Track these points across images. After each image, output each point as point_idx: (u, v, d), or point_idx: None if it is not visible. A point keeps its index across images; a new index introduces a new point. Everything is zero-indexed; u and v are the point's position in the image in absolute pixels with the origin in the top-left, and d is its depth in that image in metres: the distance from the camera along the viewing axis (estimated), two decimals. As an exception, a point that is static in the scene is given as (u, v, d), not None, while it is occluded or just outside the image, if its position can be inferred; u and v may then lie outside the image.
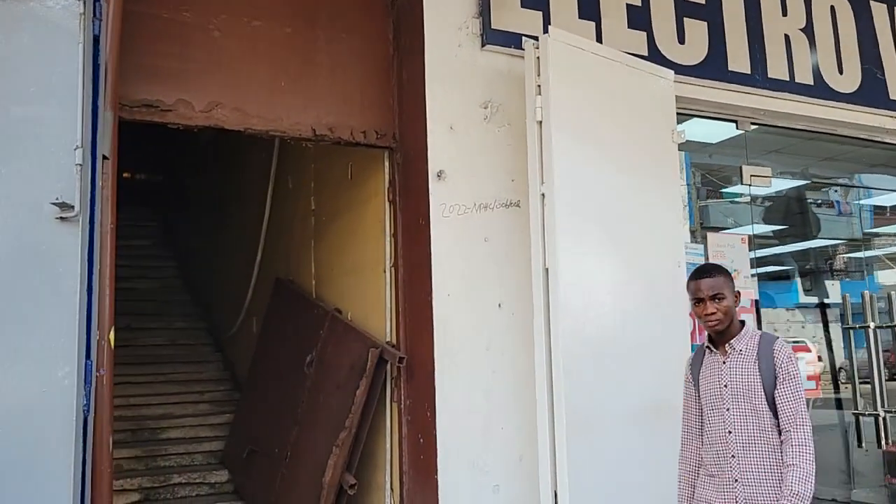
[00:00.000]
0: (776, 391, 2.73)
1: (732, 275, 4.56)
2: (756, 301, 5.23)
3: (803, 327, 7.89)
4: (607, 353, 3.73)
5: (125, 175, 17.24)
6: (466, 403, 3.82)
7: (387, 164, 4.34)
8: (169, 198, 11.32)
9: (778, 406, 2.72)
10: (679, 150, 4.36)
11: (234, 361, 7.34)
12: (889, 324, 5.77)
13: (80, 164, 2.70)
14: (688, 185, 5.39)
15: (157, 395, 6.90)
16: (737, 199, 6.81)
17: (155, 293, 9.05)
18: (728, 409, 2.79)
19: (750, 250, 7.98)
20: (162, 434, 6.40)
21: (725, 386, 2.81)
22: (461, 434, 3.80)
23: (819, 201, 8.29)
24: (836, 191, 8.24)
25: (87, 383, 2.73)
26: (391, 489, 4.18)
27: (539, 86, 3.71)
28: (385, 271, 4.30)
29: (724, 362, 2.85)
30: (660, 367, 3.86)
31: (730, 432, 2.78)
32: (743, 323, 2.94)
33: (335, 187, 5.14)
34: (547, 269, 3.65)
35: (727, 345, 2.85)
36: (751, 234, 5.52)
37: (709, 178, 6.58)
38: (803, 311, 8.05)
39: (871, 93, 5.32)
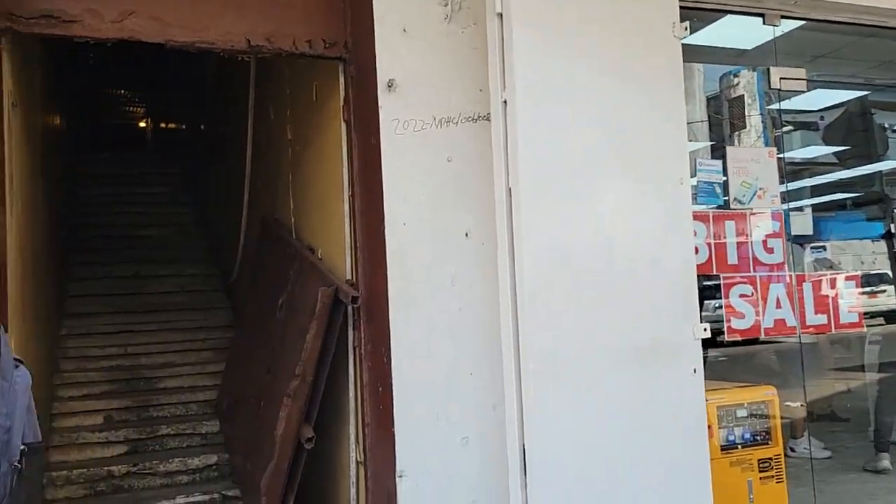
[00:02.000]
0: None
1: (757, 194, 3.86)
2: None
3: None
4: (587, 285, 3.18)
5: (161, 125, 17.25)
6: (427, 346, 3.35)
7: (342, 78, 3.81)
8: (189, 145, 11.07)
9: None
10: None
11: (237, 308, 7.04)
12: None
13: None
14: (761, 111, 4.66)
15: (160, 343, 6.66)
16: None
17: (168, 240, 8.83)
18: None
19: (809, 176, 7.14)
20: (159, 384, 6.16)
21: None
22: (422, 380, 3.33)
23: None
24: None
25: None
26: (356, 442, 3.77)
27: (498, -32, 3.12)
28: (344, 201, 3.82)
29: None
30: (656, 300, 3.31)
31: None
32: None
33: (305, 112, 4.65)
34: (510, 189, 3.11)
35: None
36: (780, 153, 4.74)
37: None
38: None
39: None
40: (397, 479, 3.29)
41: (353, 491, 3.76)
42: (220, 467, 5.26)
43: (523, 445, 3.04)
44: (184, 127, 12.02)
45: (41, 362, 5.40)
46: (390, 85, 3.38)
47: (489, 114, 3.48)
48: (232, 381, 5.53)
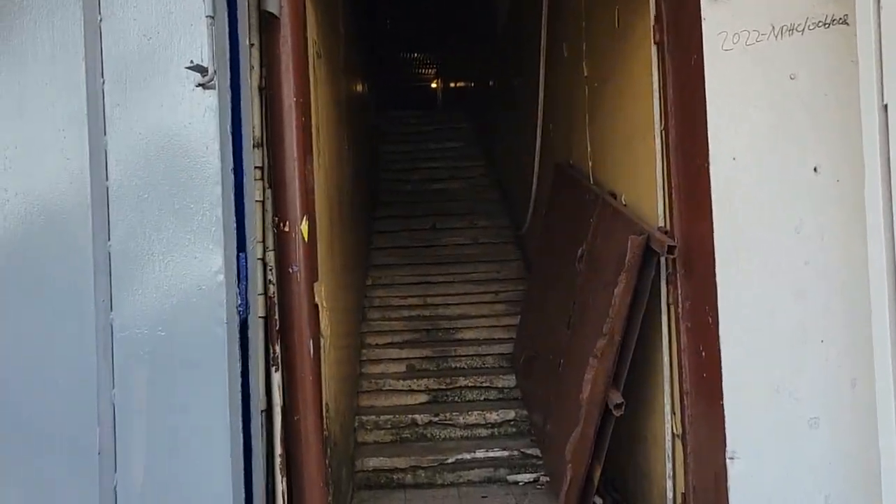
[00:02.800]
0: None
1: None
2: None
3: None
4: None
5: (451, 84, 17.73)
6: (765, 306, 2.78)
7: (652, -6, 3.29)
8: (478, 101, 11.12)
9: None
10: None
11: (529, 259, 6.85)
12: None
13: (212, 16, 2.22)
14: None
15: (455, 294, 6.71)
16: None
17: (462, 193, 8.92)
18: None
19: None
20: (456, 335, 6.19)
21: None
22: (758, 347, 2.78)
23: None
24: None
25: (241, 280, 2.32)
26: (672, 412, 3.31)
27: None
28: (654, 137, 3.33)
29: None
30: None
31: None
32: None
33: (604, 43, 4.18)
34: (886, 107, 2.40)
35: None
36: None
37: None
38: None
39: None
40: (728, 460, 2.79)
41: (669, 466, 3.32)
42: (518, 423, 5.11)
43: (903, 433, 2.36)
44: (472, 84, 12.13)
45: (350, 311, 5.65)
46: (716, -10, 2.79)
47: (846, 15, 2.77)
48: (527, 335, 5.34)
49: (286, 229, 2.71)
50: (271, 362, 2.69)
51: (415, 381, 5.49)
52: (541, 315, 5.00)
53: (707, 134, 2.81)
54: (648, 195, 3.47)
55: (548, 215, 5.40)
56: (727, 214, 2.79)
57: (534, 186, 6.10)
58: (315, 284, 3.10)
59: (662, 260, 3.24)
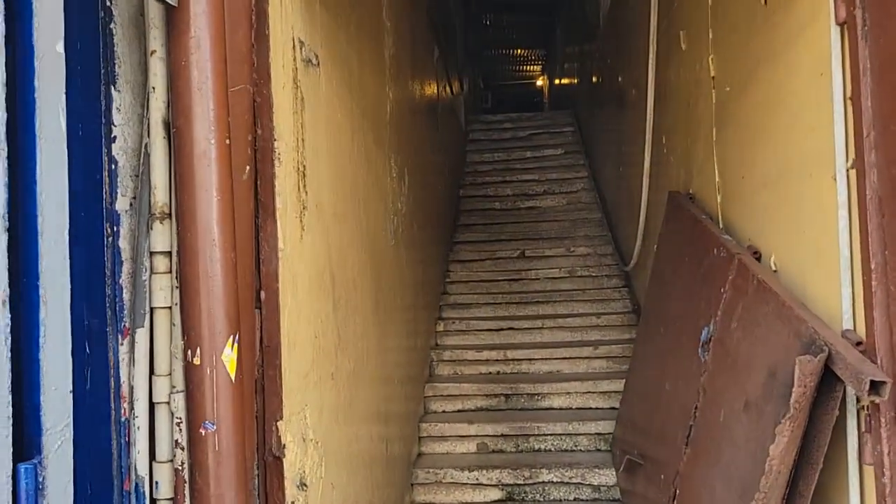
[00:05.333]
0: None
1: None
2: None
3: None
4: None
5: (556, 82, 16.35)
6: None
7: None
8: (581, 101, 9.78)
9: None
10: None
11: (638, 305, 5.52)
12: None
13: None
14: None
15: (544, 345, 5.47)
16: None
17: (559, 212, 7.65)
18: None
19: None
20: (542, 401, 4.95)
21: None
22: None
23: None
24: None
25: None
26: None
27: None
28: (836, 177, 2.02)
29: None
30: None
31: None
32: None
33: (742, 30, 2.87)
34: None
35: None
36: None
37: None
38: None
39: None
40: None
41: None
42: (618, 540, 3.86)
43: None
44: (576, 82, 10.78)
45: (413, 364, 4.56)
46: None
47: None
48: (631, 421, 4.06)
49: (196, 362, 1.61)
50: None
51: (485, 471, 4.28)
52: (649, 400, 3.71)
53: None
54: (822, 265, 2.16)
55: (659, 259, 4.08)
56: None
57: (642, 215, 4.78)
58: (279, 423, 2.01)
59: (849, 389, 1.93)
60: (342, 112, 2.86)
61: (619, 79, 6.11)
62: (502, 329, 5.71)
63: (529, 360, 5.32)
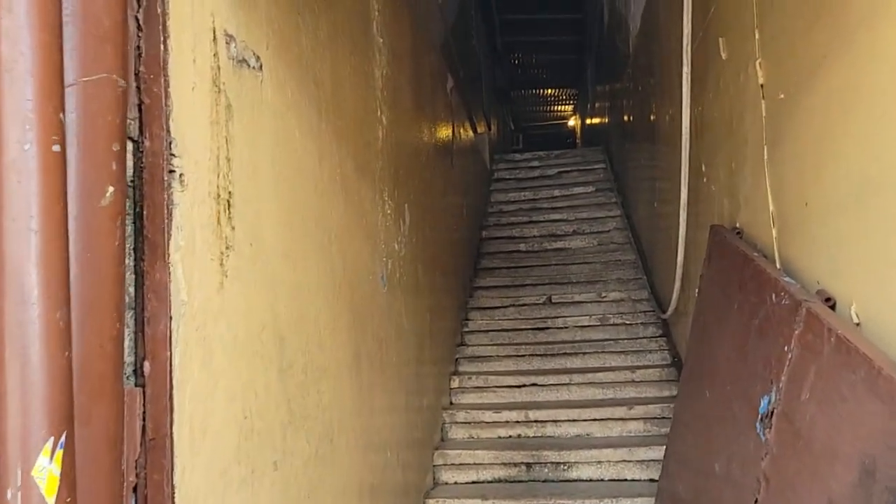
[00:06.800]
0: None
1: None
2: None
3: None
4: None
5: (587, 121, 15.84)
6: None
7: None
8: (612, 138, 9.24)
9: None
10: None
11: (678, 358, 4.85)
12: None
13: None
14: None
15: (573, 405, 4.82)
16: None
17: (589, 253, 7.05)
18: None
19: None
20: (569, 472, 4.28)
21: None
22: None
23: None
24: None
25: None
26: None
27: None
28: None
29: None
30: None
31: None
32: None
33: (799, 21, 2.29)
34: None
35: None
36: None
37: None
38: None
39: None
40: None
41: None
42: None
43: None
44: (607, 119, 10.27)
45: (416, 427, 3.96)
46: None
47: None
48: (675, 495, 3.38)
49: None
50: None
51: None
52: (695, 480, 3.05)
53: None
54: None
55: (702, 306, 3.45)
56: None
57: (680, 255, 4.16)
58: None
59: None
60: (302, 130, 2.34)
61: (652, 106, 5.55)
62: (524, 385, 5.08)
63: (555, 421, 4.67)
